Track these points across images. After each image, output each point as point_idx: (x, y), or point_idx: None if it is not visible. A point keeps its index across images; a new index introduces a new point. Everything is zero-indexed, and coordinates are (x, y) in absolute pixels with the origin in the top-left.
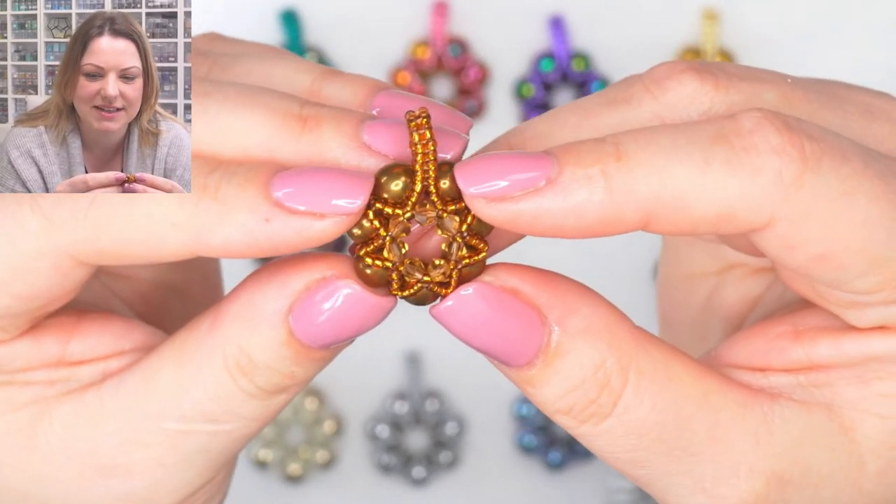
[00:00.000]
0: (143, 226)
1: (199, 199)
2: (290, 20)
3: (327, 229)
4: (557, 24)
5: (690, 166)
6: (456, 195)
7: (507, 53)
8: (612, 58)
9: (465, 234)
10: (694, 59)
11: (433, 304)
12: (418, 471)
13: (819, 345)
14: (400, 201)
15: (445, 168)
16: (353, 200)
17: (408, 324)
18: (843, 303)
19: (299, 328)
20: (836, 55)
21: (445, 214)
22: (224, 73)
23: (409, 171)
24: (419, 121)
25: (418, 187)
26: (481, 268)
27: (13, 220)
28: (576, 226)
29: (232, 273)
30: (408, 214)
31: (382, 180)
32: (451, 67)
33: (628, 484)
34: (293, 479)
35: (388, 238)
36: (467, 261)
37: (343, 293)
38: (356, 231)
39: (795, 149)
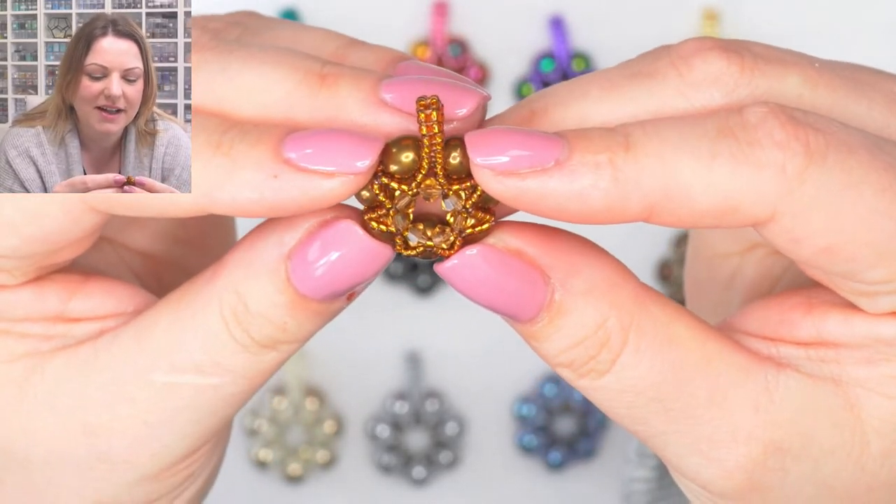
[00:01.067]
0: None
1: (212, 156)
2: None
3: (335, 189)
4: (557, 24)
5: (697, 160)
6: (463, 174)
7: (507, 53)
8: (612, 58)
9: (470, 209)
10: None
11: (438, 261)
12: (418, 471)
13: (829, 320)
14: (407, 175)
15: (455, 143)
16: (362, 161)
17: (408, 324)
18: (856, 292)
19: (297, 274)
20: (836, 55)
21: (451, 193)
22: (253, 38)
23: (418, 146)
24: (428, 112)
25: (424, 170)
26: (486, 231)
27: None
28: (579, 210)
29: None
30: (413, 192)
31: (393, 150)
32: (451, 67)
33: (644, 473)
34: (293, 479)
35: (392, 210)
36: (470, 230)
37: (343, 234)
38: (364, 194)
39: (800, 143)
